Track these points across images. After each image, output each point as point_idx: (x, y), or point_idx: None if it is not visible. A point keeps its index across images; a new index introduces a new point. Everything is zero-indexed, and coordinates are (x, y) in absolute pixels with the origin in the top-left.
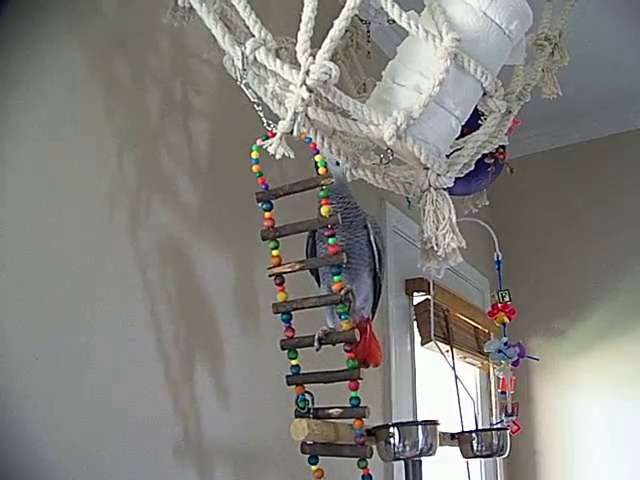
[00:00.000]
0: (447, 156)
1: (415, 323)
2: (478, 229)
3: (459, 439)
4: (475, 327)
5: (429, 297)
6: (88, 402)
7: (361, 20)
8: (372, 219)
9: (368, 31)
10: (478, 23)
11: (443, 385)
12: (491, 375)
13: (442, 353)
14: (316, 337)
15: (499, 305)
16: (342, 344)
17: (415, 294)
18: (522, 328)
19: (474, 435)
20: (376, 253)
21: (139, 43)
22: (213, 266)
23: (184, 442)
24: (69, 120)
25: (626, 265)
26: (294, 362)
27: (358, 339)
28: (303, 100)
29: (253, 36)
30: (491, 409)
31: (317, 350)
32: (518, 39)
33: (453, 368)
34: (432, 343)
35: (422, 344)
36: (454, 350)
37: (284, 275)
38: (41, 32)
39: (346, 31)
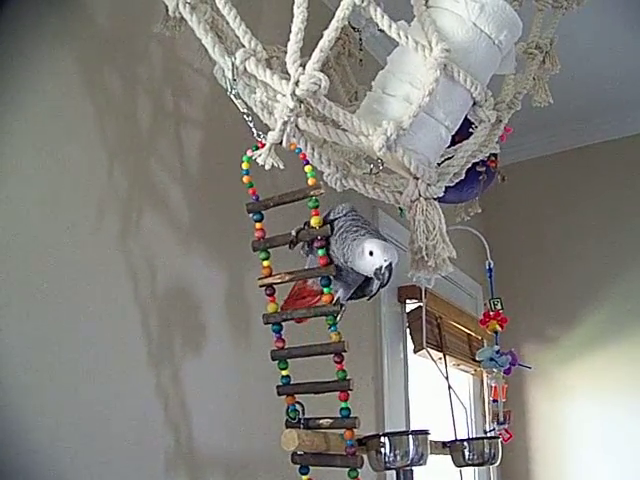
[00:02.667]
0: (438, 164)
1: (408, 331)
2: (471, 236)
3: (450, 448)
4: (468, 334)
5: (422, 304)
6: (78, 412)
7: (353, 28)
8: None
9: (360, 39)
10: (468, 33)
11: (437, 393)
12: (484, 382)
13: (434, 361)
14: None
15: (491, 313)
16: (332, 355)
17: (408, 301)
18: (515, 335)
19: (465, 444)
20: (376, 290)
21: (130, 52)
22: (204, 276)
23: (175, 452)
24: (59, 129)
25: (619, 271)
26: (284, 372)
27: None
28: (291, 110)
29: (244, 46)
30: (484, 416)
31: (290, 248)
32: (508, 49)
33: (446, 378)
34: (425, 351)
35: (415, 352)
36: (447, 357)
37: (275, 285)
38: (32, 40)
39: (338, 39)
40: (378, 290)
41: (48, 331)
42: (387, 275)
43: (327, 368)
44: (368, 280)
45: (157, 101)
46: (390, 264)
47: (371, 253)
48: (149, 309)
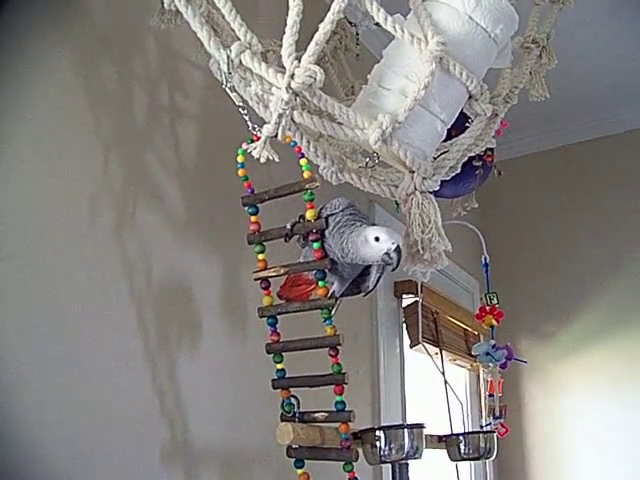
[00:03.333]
0: (434, 158)
1: (404, 325)
2: (468, 231)
3: (446, 442)
4: (465, 329)
5: (418, 299)
6: (74, 406)
7: (350, 22)
8: None
9: (357, 33)
10: (464, 27)
11: (433, 387)
12: (481, 377)
13: (430, 356)
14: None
15: (487, 308)
16: (327, 349)
17: (404, 296)
18: (512, 330)
19: (461, 438)
20: (373, 285)
21: (126, 45)
22: (200, 270)
23: (171, 445)
24: (55, 123)
25: (616, 267)
26: (280, 366)
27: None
28: (287, 103)
29: (239, 39)
30: (481, 411)
31: (286, 241)
32: (504, 43)
33: (443, 373)
34: (420, 345)
35: (411, 346)
36: (443, 352)
37: (270, 279)
38: (27, 34)
39: (335, 33)
40: (377, 282)
41: (43, 326)
42: (397, 257)
43: (323, 361)
44: (364, 275)
45: (153, 94)
46: (398, 246)
47: (377, 239)
48: (145, 303)
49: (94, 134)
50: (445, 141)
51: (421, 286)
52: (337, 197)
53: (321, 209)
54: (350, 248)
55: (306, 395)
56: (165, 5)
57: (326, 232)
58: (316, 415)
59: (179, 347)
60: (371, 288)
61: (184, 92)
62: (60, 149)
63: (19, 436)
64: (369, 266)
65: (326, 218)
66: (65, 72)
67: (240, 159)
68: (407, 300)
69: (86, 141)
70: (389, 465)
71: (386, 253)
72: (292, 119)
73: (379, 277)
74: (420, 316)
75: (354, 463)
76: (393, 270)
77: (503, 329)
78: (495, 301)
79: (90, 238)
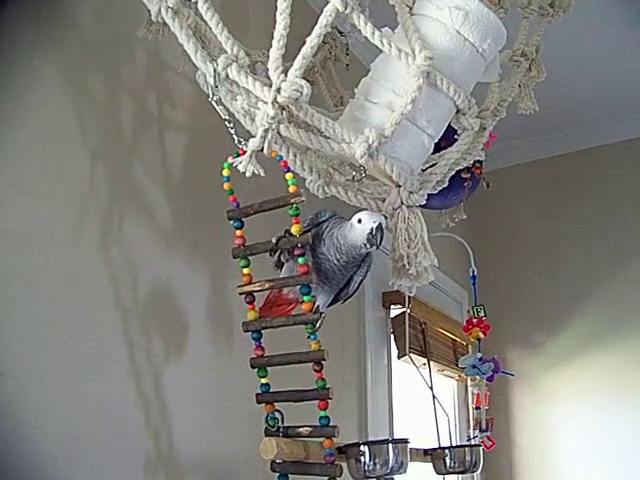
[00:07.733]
0: (423, 170)
1: (392, 336)
2: (457, 241)
3: (432, 455)
4: (453, 340)
5: (405, 310)
6: (57, 418)
7: (340, 32)
8: (371, 260)
9: (347, 44)
10: (451, 41)
11: (422, 398)
12: (468, 389)
13: (417, 368)
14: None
15: (474, 320)
16: (312, 364)
17: (392, 307)
18: (500, 341)
19: (447, 451)
20: (353, 290)
21: (114, 56)
22: (186, 282)
23: (155, 458)
24: (41, 133)
25: (604, 277)
26: (264, 380)
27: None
28: (272, 118)
29: (227, 52)
30: (469, 422)
31: (270, 255)
32: (491, 57)
33: (431, 388)
34: (408, 357)
35: (398, 358)
36: (431, 363)
37: (255, 293)
38: (14, 45)
39: (324, 43)
40: (357, 288)
41: (26, 336)
42: (379, 236)
43: (309, 375)
44: (349, 281)
45: (141, 105)
46: (379, 225)
47: (359, 221)
48: (130, 315)
49: (81, 144)
50: (434, 153)
51: (408, 297)
52: (322, 208)
53: (314, 217)
54: (340, 240)
55: (292, 408)
56: (152, 17)
57: (316, 242)
58: (300, 430)
59: (165, 359)
60: (350, 294)
61: (172, 103)
62: (47, 159)
63: (2, 447)
64: (354, 273)
65: (319, 224)
66: (53, 82)
67: (226, 173)
68: (395, 311)
69: (73, 151)
70: None
71: (369, 232)
72: (278, 133)
73: (360, 281)
74: (407, 327)
75: (338, 478)
76: (377, 248)
77: (491, 339)
78: (482, 314)
79: (76, 248)
